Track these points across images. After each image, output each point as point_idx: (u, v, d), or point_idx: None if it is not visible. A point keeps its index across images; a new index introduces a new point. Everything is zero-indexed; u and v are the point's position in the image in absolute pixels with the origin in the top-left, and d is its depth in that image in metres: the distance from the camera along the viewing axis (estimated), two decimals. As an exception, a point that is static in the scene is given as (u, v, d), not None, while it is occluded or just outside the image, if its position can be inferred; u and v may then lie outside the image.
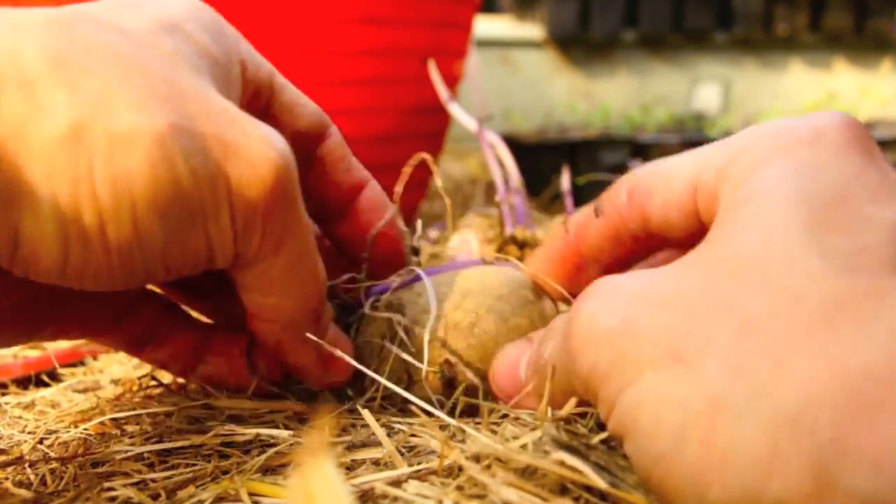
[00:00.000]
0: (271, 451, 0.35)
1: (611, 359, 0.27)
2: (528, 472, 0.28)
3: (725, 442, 0.24)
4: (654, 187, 0.33)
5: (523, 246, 0.61)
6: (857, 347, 0.23)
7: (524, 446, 0.30)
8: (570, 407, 0.32)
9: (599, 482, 0.26)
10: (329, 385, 0.40)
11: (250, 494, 0.30)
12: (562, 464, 0.28)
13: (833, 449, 0.22)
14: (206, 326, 0.41)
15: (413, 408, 0.36)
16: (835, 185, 0.27)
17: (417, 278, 0.41)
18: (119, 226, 0.28)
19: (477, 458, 0.29)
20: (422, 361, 0.37)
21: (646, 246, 0.36)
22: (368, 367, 0.39)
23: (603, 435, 0.30)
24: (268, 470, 0.33)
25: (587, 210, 0.37)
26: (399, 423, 0.37)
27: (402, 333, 0.38)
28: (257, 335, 0.37)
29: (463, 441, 0.33)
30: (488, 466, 0.29)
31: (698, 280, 0.27)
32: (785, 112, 1.79)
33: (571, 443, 0.29)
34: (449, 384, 0.37)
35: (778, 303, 0.24)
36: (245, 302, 0.35)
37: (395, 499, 0.29)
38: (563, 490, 0.27)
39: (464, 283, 0.39)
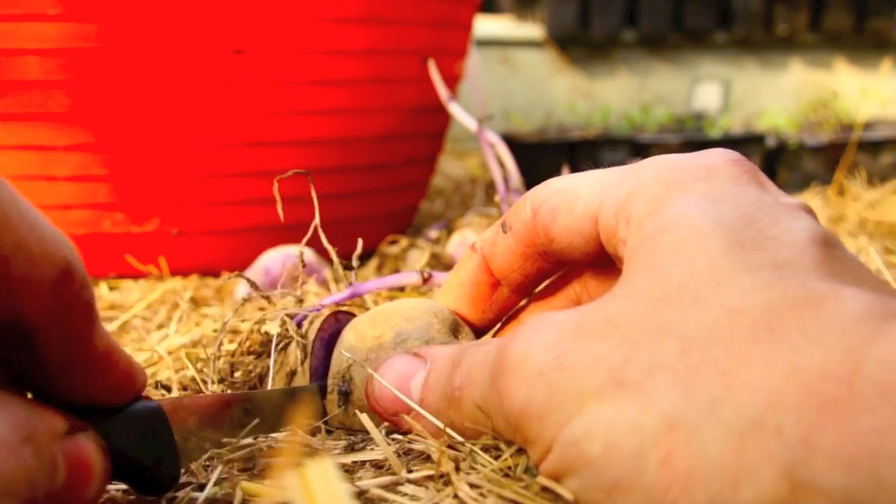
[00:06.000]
0: (268, 452, 0.34)
1: (546, 396, 0.27)
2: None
3: (687, 457, 0.24)
4: (557, 209, 0.33)
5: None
6: (808, 350, 0.23)
7: (515, 468, 0.30)
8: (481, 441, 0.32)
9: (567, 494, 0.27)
10: None
11: (246, 496, 0.30)
12: (545, 490, 0.28)
13: (803, 449, 0.22)
14: None
15: (409, 419, 0.36)
16: (738, 210, 0.27)
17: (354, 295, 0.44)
18: None
19: (470, 484, 0.29)
20: (334, 378, 0.38)
21: (552, 263, 0.36)
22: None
23: None
24: (263, 471, 0.33)
25: (495, 227, 0.37)
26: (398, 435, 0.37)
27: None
28: None
29: (455, 445, 0.33)
30: (478, 488, 0.29)
31: (628, 309, 0.27)
32: (785, 112, 1.79)
33: None
34: (345, 396, 0.37)
35: (716, 320, 0.25)
36: None
37: (392, 502, 0.29)
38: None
39: (391, 305, 0.40)
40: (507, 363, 0.28)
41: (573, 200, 0.33)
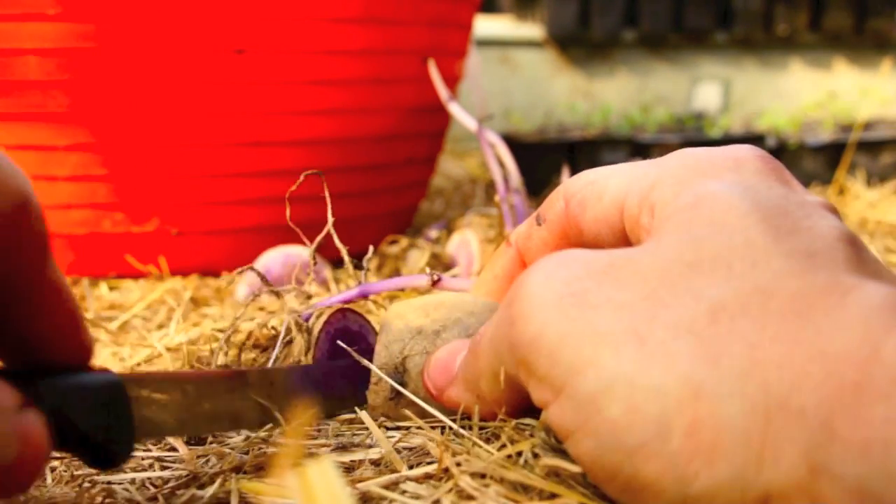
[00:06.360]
0: (268, 451, 0.34)
1: (561, 332, 0.26)
2: (519, 485, 0.28)
3: (713, 428, 0.23)
4: (587, 200, 0.33)
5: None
6: (832, 335, 0.23)
7: (519, 455, 0.30)
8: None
9: (575, 468, 0.26)
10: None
11: (246, 495, 0.30)
12: (551, 471, 0.28)
13: (822, 433, 0.22)
14: None
15: (407, 412, 0.36)
16: (771, 200, 0.28)
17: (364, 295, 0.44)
18: None
19: (472, 474, 0.29)
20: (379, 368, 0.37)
21: None
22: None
23: None
24: (262, 469, 0.33)
25: (529, 221, 0.37)
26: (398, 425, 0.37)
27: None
28: None
29: (457, 440, 0.33)
30: (482, 477, 0.29)
31: (658, 266, 0.26)
32: (785, 112, 1.79)
33: (562, 446, 0.29)
34: (397, 389, 0.37)
35: (747, 294, 0.25)
36: None
37: (393, 500, 0.29)
38: (552, 496, 0.28)
39: (441, 297, 0.39)
40: (525, 289, 0.27)
41: (602, 191, 0.33)
